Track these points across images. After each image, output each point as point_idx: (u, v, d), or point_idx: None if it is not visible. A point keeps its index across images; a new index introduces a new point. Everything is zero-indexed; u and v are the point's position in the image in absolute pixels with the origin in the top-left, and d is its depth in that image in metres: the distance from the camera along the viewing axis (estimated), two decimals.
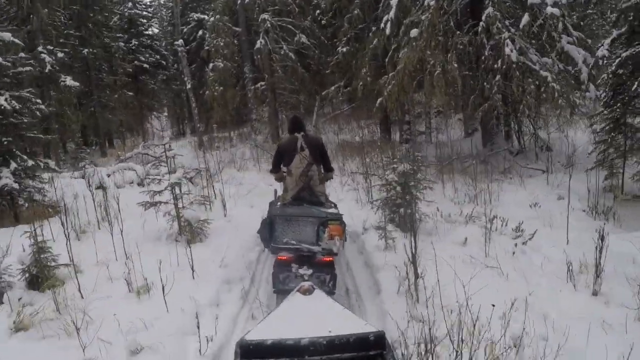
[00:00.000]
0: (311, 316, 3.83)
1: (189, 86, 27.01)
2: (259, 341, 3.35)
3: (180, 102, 44.28)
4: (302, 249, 5.90)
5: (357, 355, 3.39)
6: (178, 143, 30.98)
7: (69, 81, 23.56)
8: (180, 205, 9.80)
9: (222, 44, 26.20)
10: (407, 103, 18.15)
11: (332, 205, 7.34)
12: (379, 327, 4.33)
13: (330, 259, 6.02)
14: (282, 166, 7.54)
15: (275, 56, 24.82)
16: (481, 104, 14.55)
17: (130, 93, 33.40)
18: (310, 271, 5.75)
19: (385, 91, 16.21)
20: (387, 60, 17.21)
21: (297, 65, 25.24)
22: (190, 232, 9.60)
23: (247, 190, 15.12)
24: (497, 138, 16.71)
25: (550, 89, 13.14)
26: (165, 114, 51.70)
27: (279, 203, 7.19)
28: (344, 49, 21.62)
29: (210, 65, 27.07)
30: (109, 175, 16.64)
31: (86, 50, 27.80)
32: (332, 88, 22.67)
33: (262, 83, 26.20)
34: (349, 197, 13.29)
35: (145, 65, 37.89)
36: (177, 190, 9.62)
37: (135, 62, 37.13)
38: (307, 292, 4.18)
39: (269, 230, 6.16)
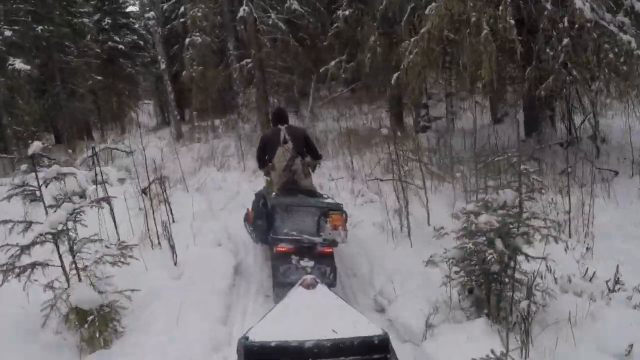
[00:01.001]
0: (314, 313, 3.72)
1: (163, 67, 23.08)
2: (262, 342, 3.33)
3: (162, 88, 39.79)
4: (303, 240, 5.73)
5: (361, 359, 3.39)
6: (157, 134, 27.52)
7: (19, 64, 19.99)
8: (81, 264, 5.55)
9: (199, 14, 22.05)
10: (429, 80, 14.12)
11: (325, 195, 7.10)
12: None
13: (331, 250, 5.86)
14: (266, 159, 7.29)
15: (263, 27, 21.18)
16: (539, 79, 10.57)
17: (99, 77, 29.15)
18: (312, 263, 5.58)
19: (404, 63, 12.45)
20: (403, 22, 13.38)
21: (288, 37, 21.49)
22: (89, 328, 5.20)
23: (225, 200, 11.44)
24: (544, 126, 13.05)
25: (635, 57, 9.61)
26: (149, 101, 47.32)
27: (273, 193, 6.70)
28: (346, 12, 18.00)
29: (187, 40, 22.94)
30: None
31: (40, 27, 23.47)
32: (332, 63, 18.63)
33: (248, 60, 22.13)
34: (368, 216, 9.37)
35: (121, 47, 34.03)
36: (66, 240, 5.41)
37: (109, 42, 33.37)
38: (310, 286, 4.02)
39: (267, 221, 6.06)
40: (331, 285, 5.47)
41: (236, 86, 23.61)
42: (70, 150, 22.37)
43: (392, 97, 18.11)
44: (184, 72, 23.71)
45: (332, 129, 19.10)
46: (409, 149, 12.50)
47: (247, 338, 3.38)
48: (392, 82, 13.70)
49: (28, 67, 20.28)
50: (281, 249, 5.86)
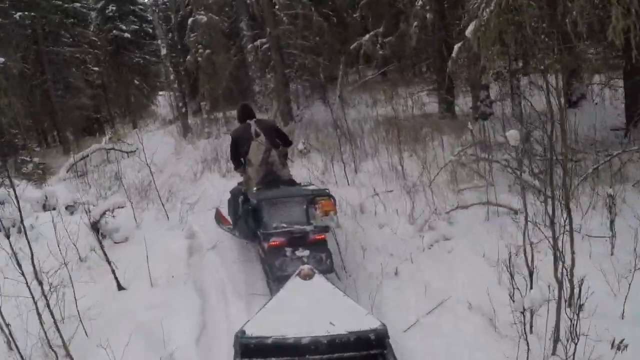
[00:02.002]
0: (311, 305, 3.71)
1: (164, 52, 19.57)
2: (259, 339, 3.32)
3: (180, 78, 36.69)
4: (294, 230, 5.65)
5: (358, 355, 3.40)
6: (169, 128, 24.01)
7: None
8: None
9: None
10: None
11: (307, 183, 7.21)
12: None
13: (323, 236, 5.76)
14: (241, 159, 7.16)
15: (280, 0, 17.65)
16: None
17: (96, 68, 25.93)
18: (307, 252, 5.43)
19: (471, 27, 8.82)
20: None
21: (310, 11, 17.66)
22: None
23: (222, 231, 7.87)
24: None
25: None
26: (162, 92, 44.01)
27: (254, 188, 6.48)
28: None
29: (190, 20, 19.43)
30: None
31: (19, 14, 20.10)
32: (367, 37, 14.85)
33: (263, 41, 18.59)
34: (450, 283, 5.70)
35: (127, 35, 30.96)
36: None
37: (114, 31, 30.56)
38: (307, 276, 4.07)
39: (252, 217, 5.92)
40: (329, 270, 5.39)
41: (251, 72, 20.25)
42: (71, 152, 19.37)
43: (441, 77, 14.48)
44: (187, 57, 20.28)
45: (367, 118, 15.92)
46: (474, 142, 8.99)
47: (243, 332, 3.37)
48: (454, 54, 10.02)
49: (1, 59, 17.11)
50: (274, 242, 5.64)
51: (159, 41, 20.15)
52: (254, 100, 20.80)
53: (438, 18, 12.87)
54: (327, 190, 6.20)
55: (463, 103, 15.76)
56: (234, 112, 20.98)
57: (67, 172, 16.72)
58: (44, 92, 23.20)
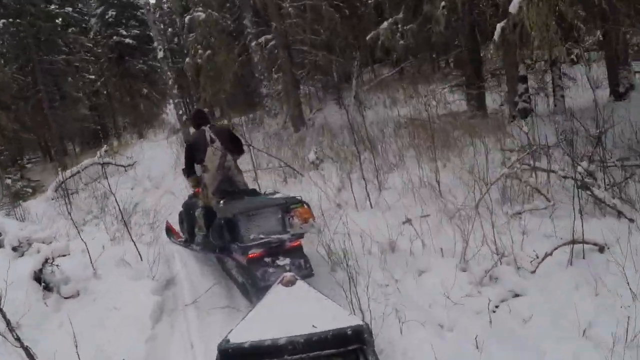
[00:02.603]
0: (294, 310, 3.73)
1: (160, 55, 17.79)
2: (237, 345, 3.32)
3: (186, 83, 35.26)
4: (272, 240, 5.55)
5: (336, 351, 3.39)
6: (172, 139, 22.37)
7: None
8: None
9: None
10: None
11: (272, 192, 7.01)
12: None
13: (299, 242, 5.75)
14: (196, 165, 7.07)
15: None
16: None
17: (91, 76, 24.38)
18: (287, 260, 5.43)
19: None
20: None
21: (320, 1, 15.71)
22: None
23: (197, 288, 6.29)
24: None
25: None
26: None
27: (221, 202, 6.32)
28: None
29: (187, 18, 17.64)
30: None
31: (2, 21, 18.47)
32: (385, 24, 12.87)
33: (269, 37, 16.77)
34: None
35: (129, 41, 29.27)
36: None
37: (115, 37, 29.25)
38: (290, 283, 4.07)
39: (228, 231, 5.63)
40: (310, 275, 5.34)
41: (258, 73, 18.42)
42: (59, 168, 17.76)
43: (471, 69, 12.64)
44: (186, 59, 18.52)
45: (386, 119, 14.16)
46: (529, 149, 7.16)
47: (228, 341, 3.36)
48: (496, 37, 8.14)
49: None
50: (253, 254, 5.51)
51: (155, 43, 18.38)
52: (263, 105, 19.04)
53: None
54: (300, 197, 6.12)
55: (490, 100, 14.22)
56: (239, 119, 19.50)
57: (55, 191, 15.04)
58: (37, 103, 21.57)
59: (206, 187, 6.80)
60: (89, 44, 26.03)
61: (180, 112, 19.08)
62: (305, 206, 5.86)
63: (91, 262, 5.96)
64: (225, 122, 19.57)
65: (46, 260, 5.53)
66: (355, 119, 13.80)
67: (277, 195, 6.35)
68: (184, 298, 5.79)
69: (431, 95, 17.53)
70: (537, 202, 6.23)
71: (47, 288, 5.60)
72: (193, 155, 7.01)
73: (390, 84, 20.12)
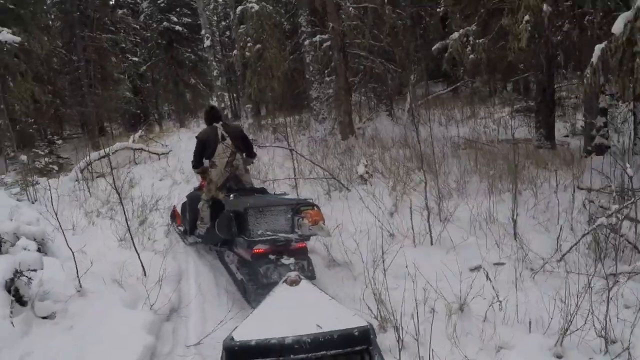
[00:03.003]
0: (299, 309, 3.68)
1: (207, 43, 16.76)
2: (243, 342, 3.28)
3: (235, 77, 34.46)
4: (278, 238, 5.58)
5: (342, 352, 3.36)
6: None
7: (5, 35, 15.25)
8: None
9: None
10: None
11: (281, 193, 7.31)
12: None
13: (304, 244, 5.78)
14: (204, 160, 7.10)
15: None
16: None
17: (135, 58, 23.44)
18: (291, 259, 5.48)
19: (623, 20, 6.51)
20: None
21: (383, 5, 14.47)
22: None
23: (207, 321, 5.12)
24: None
25: None
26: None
27: (231, 195, 6.48)
28: None
29: (238, 9, 16.57)
30: None
31: None
32: (455, 35, 11.55)
33: (324, 37, 15.60)
34: None
35: (178, 28, 28.89)
36: None
37: (165, 23, 28.56)
38: (294, 283, 3.97)
39: (236, 225, 5.70)
40: (312, 277, 5.29)
41: (309, 74, 17.20)
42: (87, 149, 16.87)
43: (544, 94, 11.42)
44: (234, 52, 17.46)
45: (442, 138, 12.80)
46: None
47: (232, 338, 3.31)
48: (594, 60, 6.87)
49: (17, 39, 15.23)
50: (258, 250, 5.54)
51: (203, 31, 17.37)
52: (310, 107, 17.87)
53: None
54: (311, 200, 6.12)
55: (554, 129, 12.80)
56: (284, 120, 18.38)
57: (81, 172, 14.05)
58: (77, 79, 20.76)
59: (212, 182, 6.87)
60: (136, 26, 25.16)
61: (222, 105, 18.04)
62: (316, 209, 5.77)
63: (77, 276, 4.76)
64: (270, 120, 18.47)
65: (16, 271, 4.37)
66: (410, 135, 12.65)
67: (289, 196, 6.41)
68: (187, 335, 4.59)
69: (490, 118, 16.32)
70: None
71: (20, 301, 4.47)
72: (203, 151, 7.01)
73: (444, 102, 19.14)
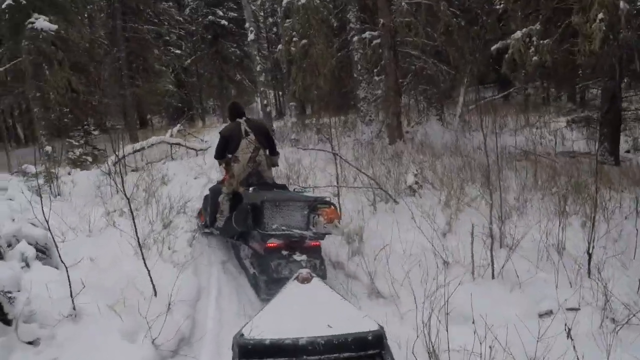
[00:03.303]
0: (309, 308, 3.63)
1: (251, 37, 16.04)
2: (257, 341, 3.26)
3: (280, 75, 33.97)
4: (293, 234, 5.58)
5: (355, 355, 3.33)
6: None
7: (42, 22, 14.90)
8: None
9: None
10: None
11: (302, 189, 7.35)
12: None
13: (319, 243, 5.80)
14: (227, 155, 7.08)
15: None
16: None
17: (177, 51, 22.94)
18: (304, 257, 5.52)
19: None
20: None
21: (438, 2, 13.73)
22: None
23: None
24: None
25: None
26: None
27: (251, 189, 6.55)
28: None
29: (284, 2, 15.81)
30: None
31: None
32: (519, 34, 10.52)
33: (374, 33, 14.77)
34: None
35: (223, 22, 28.30)
36: None
37: (210, 16, 28.35)
38: (306, 280, 3.90)
39: (252, 218, 5.72)
40: (323, 277, 5.31)
41: (356, 73, 16.37)
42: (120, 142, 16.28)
43: (610, 105, 10.60)
44: (279, 46, 16.71)
45: (494, 148, 11.73)
46: None
47: (242, 335, 3.30)
48: None
49: (53, 27, 14.92)
50: (272, 244, 5.60)
51: (247, 24, 16.66)
52: (357, 108, 17.01)
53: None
54: (329, 199, 6.09)
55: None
56: (329, 120, 17.57)
57: (113, 164, 13.48)
58: (117, 70, 20.29)
59: (234, 177, 6.83)
60: (179, 18, 24.69)
61: (265, 102, 17.31)
62: (333, 207, 5.76)
63: (71, 296, 3.99)
64: (314, 120, 17.67)
65: None
66: (462, 142, 11.78)
67: (309, 193, 6.33)
68: None
69: (545, 128, 15.33)
70: None
71: (4, 320, 3.74)
72: (226, 146, 7.00)
73: (497, 109, 17.73)
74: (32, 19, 14.64)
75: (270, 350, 3.21)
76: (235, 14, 28.91)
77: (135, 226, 5.16)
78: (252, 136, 6.86)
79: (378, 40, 14.97)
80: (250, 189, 6.47)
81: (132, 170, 13.48)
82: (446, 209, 7.27)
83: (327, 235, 5.78)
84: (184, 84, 30.43)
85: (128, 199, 5.23)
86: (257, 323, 3.39)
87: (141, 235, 6.37)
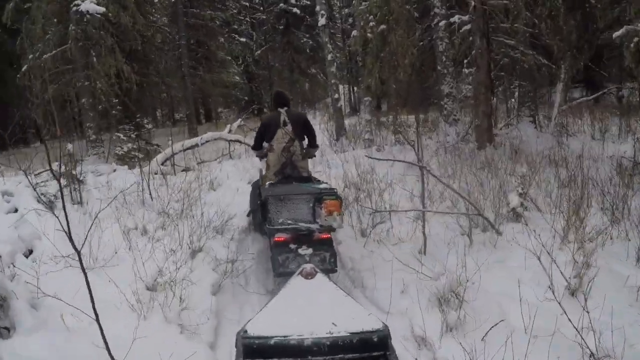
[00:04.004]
0: (313, 305, 3.62)
1: (322, 21, 14.23)
2: (262, 340, 3.24)
3: (356, 68, 32.23)
4: (299, 228, 5.61)
5: (359, 356, 3.32)
6: (326, 126, 18.31)
7: (88, 4, 13.86)
8: None
9: None
10: None
11: (319, 180, 6.89)
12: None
13: (329, 235, 5.73)
14: (264, 143, 7.06)
15: None
16: None
17: (242, 39, 21.48)
18: (310, 250, 5.49)
19: None
20: None
21: None
22: None
23: None
24: None
25: None
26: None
27: (267, 183, 6.48)
28: None
29: None
30: None
31: None
32: None
33: (464, 18, 12.72)
34: None
35: (296, 11, 27.37)
36: None
37: (282, 4, 27.04)
38: (309, 275, 3.89)
39: (261, 213, 6.06)
40: (332, 271, 5.43)
41: (441, 65, 14.36)
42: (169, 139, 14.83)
43: None
44: (352, 33, 14.84)
45: (599, 158, 10.07)
46: None
47: (245, 331, 3.29)
48: None
49: (100, 9, 13.81)
50: (278, 238, 5.60)
51: (317, 7, 14.81)
52: (441, 106, 14.94)
53: None
54: (335, 190, 5.86)
55: None
56: (406, 118, 15.56)
57: (162, 164, 11.94)
58: (177, 59, 18.88)
59: (268, 167, 6.85)
60: (245, 3, 23.22)
61: (336, 95, 15.47)
62: (339, 200, 5.66)
63: None
64: (391, 118, 15.66)
65: None
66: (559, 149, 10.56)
67: (322, 185, 6.08)
68: None
69: None
70: None
71: None
72: (264, 134, 6.93)
73: (592, 111, 15.67)
74: (77, 1, 13.25)
75: (274, 350, 3.15)
76: (308, 1, 27.30)
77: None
78: (289, 127, 6.73)
79: (468, 27, 12.84)
80: (268, 183, 6.30)
81: (183, 170, 11.94)
82: (566, 246, 5.23)
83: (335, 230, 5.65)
84: (254, 76, 29.19)
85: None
86: (261, 320, 3.34)
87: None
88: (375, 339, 3.26)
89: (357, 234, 6.92)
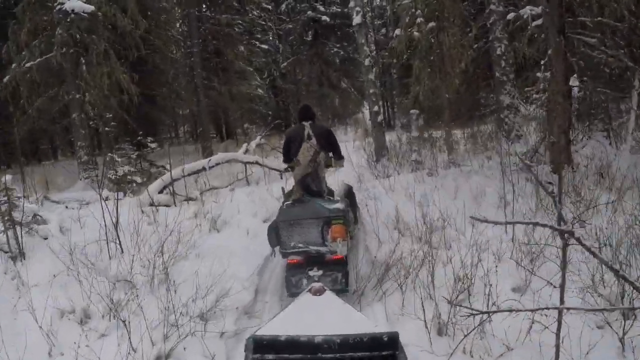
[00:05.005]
0: (321, 316, 3.66)
1: (358, 20, 11.96)
2: (272, 336, 3.27)
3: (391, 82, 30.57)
4: (310, 251, 5.69)
5: (369, 355, 3.31)
6: (359, 143, 16.58)
7: (73, 2, 11.87)
8: None
9: None
10: None
11: (331, 196, 6.85)
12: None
13: (341, 257, 5.75)
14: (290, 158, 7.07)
15: None
16: None
17: (264, 46, 19.44)
18: (320, 272, 5.50)
19: None
20: None
21: None
22: None
23: None
24: None
25: None
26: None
27: (284, 204, 6.47)
28: None
29: None
30: None
31: None
32: None
33: (536, 9, 10.33)
34: None
35: (325, 19, 25.49)
36: None
37: (310, 12, 25.10)
38: (318, 292, 3.92)
39: (275, 236, 5.93)
40: (343, 291, 5.43)
41: (499, 70, 12.27)
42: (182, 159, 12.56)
43: None
44: (396, 32, 12.52)
45: None
46: None
47: (255, 333, 3.32)
48: None
49: (88, 8, 11.87)
50: (291, 260, 5.76)
51: (352, 3, 12.45)
52: (499, 119, 12.54)
53: None
54: (343, 214, 5.81)
55: None
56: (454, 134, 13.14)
57: (159, 192, 9.72)
58: (190, 70, 16.71)
59: (295, 183, 6.75)
60: (267, 6, 21.24)
61: (376, 108, 13.07)
62: (344, 225, 5.68)
63: None
64: (443, 133, 13.24)
65: None
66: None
67: (333, 206, 5.92)
68: None
69: None
70: None
71: None
72: (289, 148, 6.86)
73: None
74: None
75: (285, 346, 3.16)
76: (339, 8, 25.18)
77: None
78: (313, 140, 6.65)
79: (539, 22, 10.35)
80: (284, 204, 6.20)
81: (185, 200, 9.62)
82: None
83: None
84: (281, 90, 27.56)
85: None
86: (271, 328, 3.35)
87: None
88: (386, 339, 3.19)
89: (431, 330, 4.35)
